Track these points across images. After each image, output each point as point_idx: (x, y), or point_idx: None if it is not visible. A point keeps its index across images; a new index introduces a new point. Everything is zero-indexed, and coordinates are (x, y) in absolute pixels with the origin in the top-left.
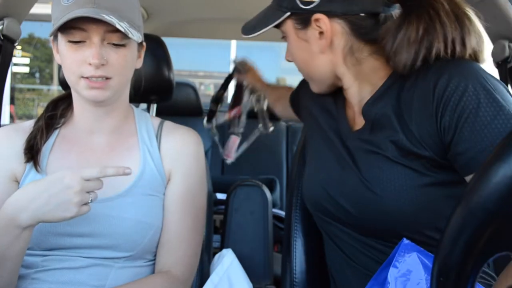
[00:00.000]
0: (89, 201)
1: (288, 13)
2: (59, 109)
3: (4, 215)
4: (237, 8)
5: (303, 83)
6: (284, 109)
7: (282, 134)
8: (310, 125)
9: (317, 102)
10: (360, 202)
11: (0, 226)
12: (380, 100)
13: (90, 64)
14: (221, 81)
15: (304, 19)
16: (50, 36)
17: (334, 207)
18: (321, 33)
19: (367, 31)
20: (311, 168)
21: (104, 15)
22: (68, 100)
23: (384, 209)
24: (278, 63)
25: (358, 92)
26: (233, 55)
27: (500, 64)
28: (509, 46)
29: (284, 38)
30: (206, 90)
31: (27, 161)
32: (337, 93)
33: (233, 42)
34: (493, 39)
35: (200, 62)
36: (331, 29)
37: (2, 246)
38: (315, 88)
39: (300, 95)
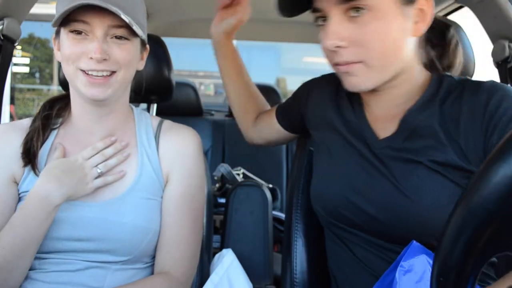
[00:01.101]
0: (98, 172)
1: None
2: (55, 109)
3: (36, 198)
4: None
5: (301, 96)
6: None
7: None
8: (323, 132)
9: (331, 108)
10: (392, 208)
11: (33, 207)
12: (426, 109)
13: (91, 58)
14: (221, 81)
15: None
16: (53, 25)
17: (355, 214)
18: (420, 12)
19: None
20: (325, 175)
21: (110, 5)
22: (65, 100)
23: (418, 216)
24: (278, 63)
25: (403, 94)
26: None
27: (500, 64)
28: (509, 46)
29: (364, 14)
30: (206, 90)
31: (25, 165)
32: (353, 96)
33: (233, 42)
34: (493, 39)
35: (200, 62)
36: (431, 10)
37: (33, 227)
38: (370, 80)
39: (308, 104)
